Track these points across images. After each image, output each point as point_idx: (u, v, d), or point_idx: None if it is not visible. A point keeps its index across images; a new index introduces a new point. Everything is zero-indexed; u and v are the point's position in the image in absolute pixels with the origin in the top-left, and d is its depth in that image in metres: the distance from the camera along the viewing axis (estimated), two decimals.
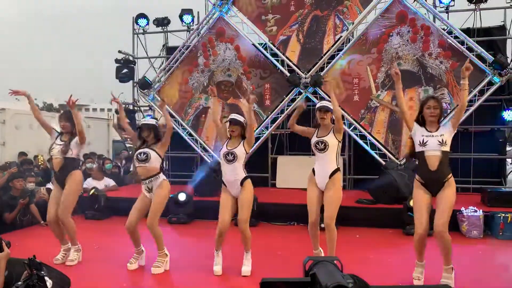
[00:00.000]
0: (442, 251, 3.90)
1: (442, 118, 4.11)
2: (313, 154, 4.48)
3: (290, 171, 8.77)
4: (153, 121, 4.70)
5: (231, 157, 4.37)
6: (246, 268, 4.40)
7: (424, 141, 3.92)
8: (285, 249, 5.17)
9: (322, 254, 4.48)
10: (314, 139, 4.34)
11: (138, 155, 4.52)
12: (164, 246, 4.57)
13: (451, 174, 3.92)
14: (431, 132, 3.94)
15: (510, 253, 5.23)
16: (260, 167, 9.02)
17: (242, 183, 4.39)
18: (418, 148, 3.98)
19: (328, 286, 0.75)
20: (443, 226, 3.80)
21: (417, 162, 4.10)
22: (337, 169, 4.31)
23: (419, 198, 3.97)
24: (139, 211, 4.54)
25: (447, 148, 3.90)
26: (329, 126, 4.33)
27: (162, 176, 4.56)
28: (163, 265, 4.51)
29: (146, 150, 4.51)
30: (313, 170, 4.40)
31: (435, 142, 3.88)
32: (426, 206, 3.95)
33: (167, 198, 4.59)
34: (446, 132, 3.93)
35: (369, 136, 7.96)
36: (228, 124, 4.45)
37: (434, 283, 3.84)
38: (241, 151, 4.37)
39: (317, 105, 4.40)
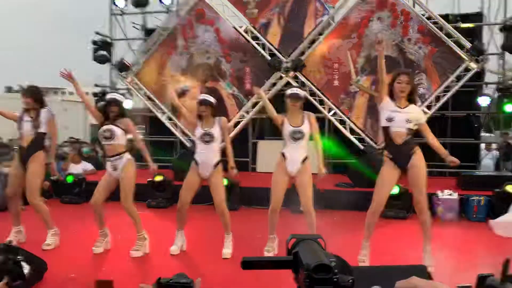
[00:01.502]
0: (425, 229, 3.94)
1: (417, 99, 4.09)
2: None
3: (271, 156, 8.71)
4: (121, 98, 4.71)
5: (208, 138, 4.35)
6: (227, 251, 4.43)
7: (391, 117, 3.89)
8: (266, 232, 5.21)
9: (277, 241, 4.52)
10: (289, 128, 4.27)
11: (103, 132, 4.45)
12: (143, 230, 4.54)
13: (417, 146, 3.94)
14: (399, 107, 3.90)
15: (483, 234, 5.40)
16: (240, 152, 8.99)
17: (215, 166, 4.40)
18: (384, 123, 3.96)
19: (310, 265, 0.74)
20: (425, 200, 3.88)
21: (383, 137, 4.11)
22: (307, 157, 4.32)
23: (386, 175, 3.99)
24: (104, 189, 4.51)
25: (412, 126, 3.88)
26: (299, 113, 4.31)
27: (127, 156, 4.51)
28: (142, 248, 4.49)
29: (110, 127, 4.44)
30: (283, 155, 4.37)
31: (403, 119, 3.86)
32: (390, 183, 4.01)
33: (135, 177, 4.54)
34: (416, 112, 3.93)
35: (348, 121, 8.02)
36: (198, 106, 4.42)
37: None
38: (217, 132, 4.37)
39: (288, 92, 4.32)
